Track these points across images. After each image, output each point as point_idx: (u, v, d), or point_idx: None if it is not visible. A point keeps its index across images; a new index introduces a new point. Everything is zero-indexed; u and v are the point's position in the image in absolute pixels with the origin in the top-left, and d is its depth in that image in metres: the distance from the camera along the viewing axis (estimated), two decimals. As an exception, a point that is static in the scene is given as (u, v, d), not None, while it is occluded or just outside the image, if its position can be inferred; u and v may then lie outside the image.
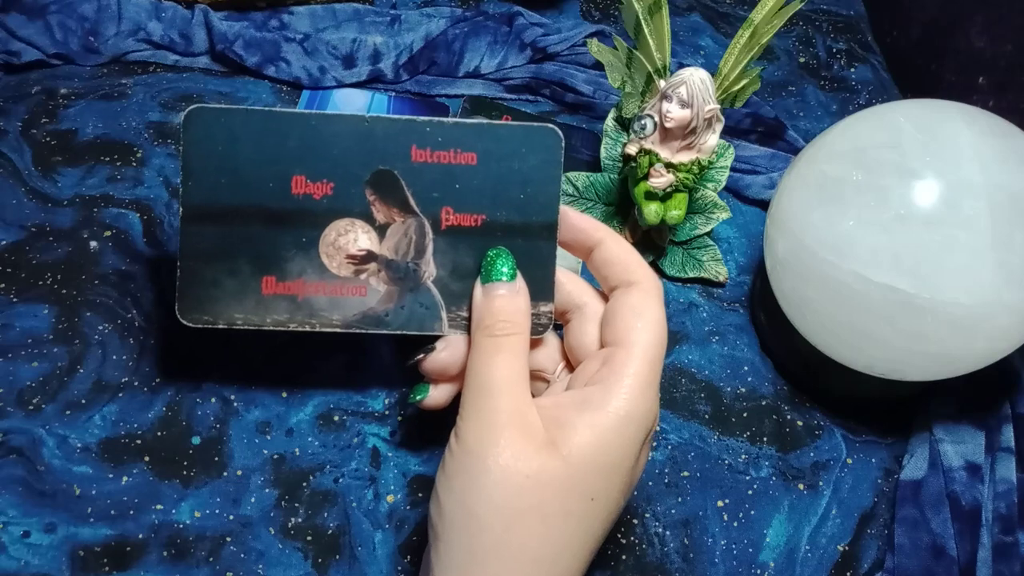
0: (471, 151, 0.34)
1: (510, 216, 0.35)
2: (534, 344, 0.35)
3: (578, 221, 0.35)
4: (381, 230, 0.35)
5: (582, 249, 0.35)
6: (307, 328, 0.35)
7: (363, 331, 0.35)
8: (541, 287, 0.35)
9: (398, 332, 0.35)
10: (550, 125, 0.35)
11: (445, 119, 0.34)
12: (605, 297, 0.35)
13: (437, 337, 0.35)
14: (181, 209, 0.34)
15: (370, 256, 0.35)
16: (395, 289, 0.35)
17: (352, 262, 0.35)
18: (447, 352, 0.35)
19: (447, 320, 0.35)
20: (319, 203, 0.34)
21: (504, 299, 0.33)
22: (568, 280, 0.36)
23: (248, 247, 0.34)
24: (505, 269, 0.34)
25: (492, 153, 0.34)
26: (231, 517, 0.39)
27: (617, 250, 0.34)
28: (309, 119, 0.34)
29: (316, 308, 0.35)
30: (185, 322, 0.34)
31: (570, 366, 0.36)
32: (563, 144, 0.35)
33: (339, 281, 0.35)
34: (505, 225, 0.35)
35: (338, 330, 0.35)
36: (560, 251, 0.35)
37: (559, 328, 0.37)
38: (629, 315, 0.33)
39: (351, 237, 0.35)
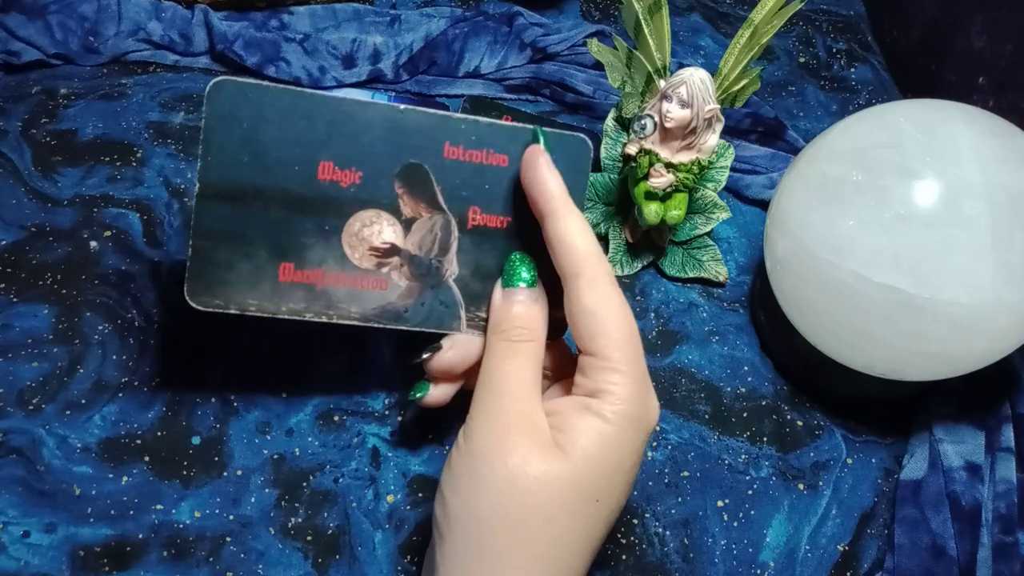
0: (503, 153, 0.34)
1: (536, 221, 0.34)
2: (548, 346, 0.35)
3: (542, 176, 0.32)
4: (407, 224, 0.34)
5: (535, 206, 0.33)
6: (323, 319, 0.34)
7: (381, 326, 0.34)
8: (560, 294, 0.35)
9: (416, 329, 0.35)
10: (581, 135, 0.35)
11: (480, 118, 0.34)
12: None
13: (444, 335, 0.35)
14: (197, 185, 0.32)
15: (394, 250, 0.34)
16: (416, 285, 0.35)
17: (375, 254, 0.34)
18: (453, 352, 0.35)
19: (465, 320, 0.35)
20: (346, 191, 0.33)
21: (523, 305, 0.33)
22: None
23: (267, 231, 0.33)
24: (526, 275, 0.34)
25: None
26: (231, 517, 0.39)
27: (564, 229, 0.32)
28: (343, 104, 0.33)
29: (334, 299, 0.34)
30: (194, 304, 0.33)
31: (573, 368, 0.36)
32: (592, 154, 0.35)
33: (360, 273, 0.34)
34: (530, 230, 0.34)
35: (355, 323, 0.34)
36: None
37: None
38: (587, 319, 0.31)
39: (376, 229, 0.34)
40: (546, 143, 0.33)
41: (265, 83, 0.32)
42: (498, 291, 0.34)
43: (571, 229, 0.32)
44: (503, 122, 0.34)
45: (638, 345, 0.31)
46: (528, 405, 0.31)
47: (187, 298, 0.33)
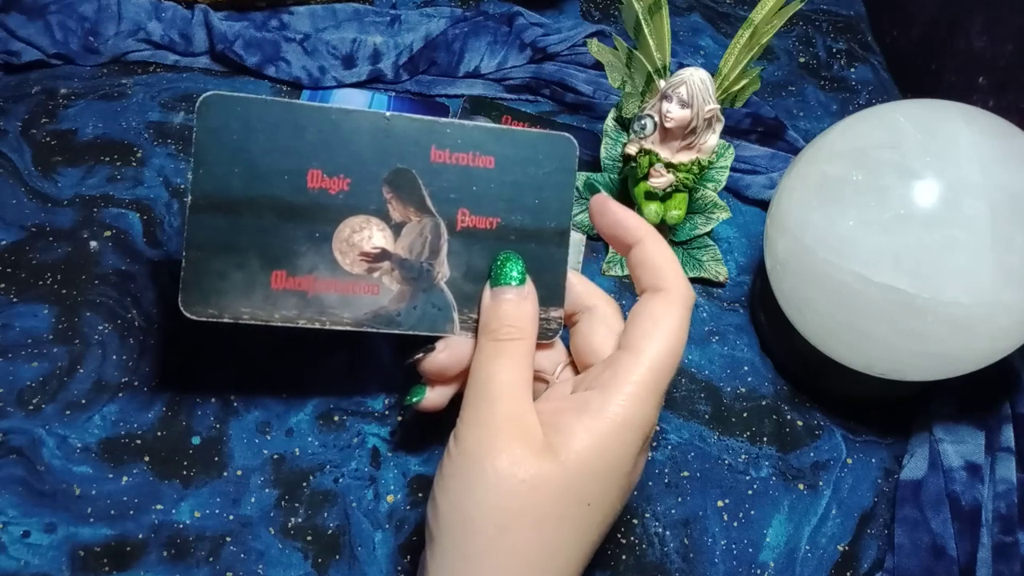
0: (489, 155, 0.34)
1: (524, 221, 0.35)
2: (542, 348, 0.35)
3: (622, 217, 0.34)
4: (396, 229, 0.34)
5: (621, 245, 0.35)
6: (316, 325, 0.34)
7: (374, 330, 0.34)
8: (551, 292, 0.35)
9: (409, 332, 0.35)
10: (566, 134, 0.35)
11: (466, 122, 0.34)
12: (614, 301, 0.35)
13: (438, 338, 0.35)
14: (190, 197, 0.33)
15: (384, 254, 0.34)
16: (408, 289, 0.35)
17: (366, 260, 0.34)
18: (446, 353, 0.34)
19: (459, 322, 0.35)
20: (335, 198, 0.34)
21: (511, 304, 0.33)
22: (578, 282, 0.36)
23: (259, 240, 0.33)
24: (514, 273, 0.34)
25: (510, 158, 0.35)
26: (231, 517, 0.39)
27: (654, 253, 0.34)
28: (329, 113, 0.33)
29: (327, 305, 0.34)
30: (188, 315, 0.33)
31: (575, 368, 0.36)
32: (577, 153, 0.35)
33: (351, 279, 0.34)
34: (519, 229, 0.35)
35: (348, 328, 0.34)
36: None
37: (565, 329, 0.37)
38: (647, 321, 0.32)
39: (366, 234, 0.34)
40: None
41: (253, 96, 0.33)
42: (487, 291, 0.34)
43: (664, 253, 0.33)
44: (487, 125, 0.34)
45: (673, 365, 0.32)
46: (518, 406, 0.31)
47: (181, 308, 0.33)
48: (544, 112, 0.57)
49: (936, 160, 0.38)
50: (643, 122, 0.44)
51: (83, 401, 0.40)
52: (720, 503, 0.43)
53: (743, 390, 0.47)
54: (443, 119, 0.34)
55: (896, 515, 0.43)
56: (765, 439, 0.45)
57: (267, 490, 0.39)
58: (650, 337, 0.32)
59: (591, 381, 0.32)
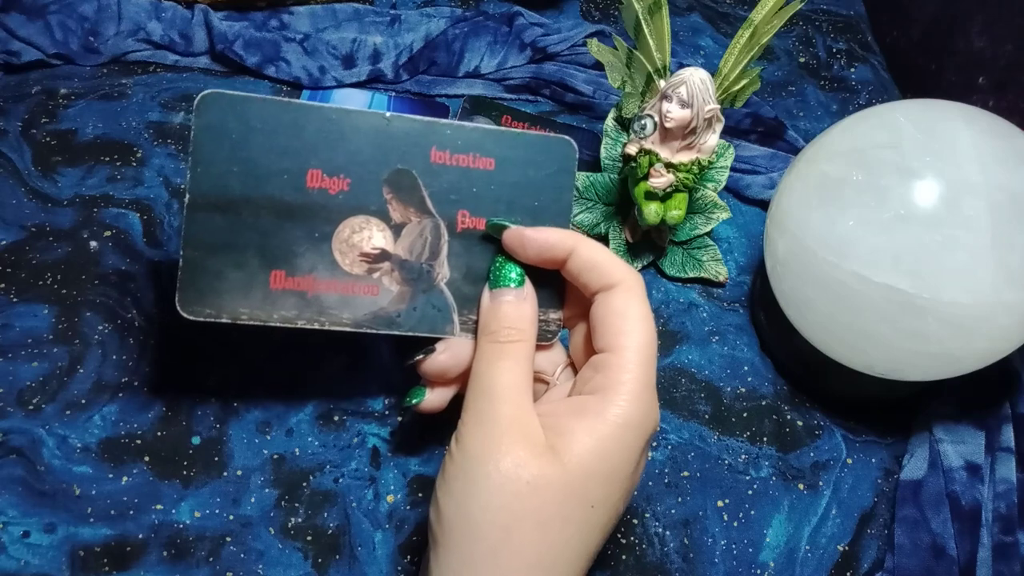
0: (489, 156, 0.34)
1: (524, 222, 0.35)
2: (541, 349, 0.35)
3: (543, 236, 0.33)
4: (396, 229, 0.34)
5: (554, 263, 0.34)
6: (315, 326, 0.34)
7: (373, 331, 0.34)
8: (550, 294, 0.35)
9: (409, 334, 0.35)
10: (565, 137, 0.35)
11: (466, 123, 0.34)
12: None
13: (438, 339, 0.35)
14: (187, 196, 0.32)
15: (384, 255, 0.34)
16: (408, 290, 0.35)
17: (365, 260, 0.34)
18: (447, 355, 0.34)
19: (459, 323, 0.35)
20: (334, 198, 0.34)
21: (511, 305, 0.33)
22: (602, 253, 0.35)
23: (257, 239, 0.33)
24: (513, 275, 0.34)
25: (510, 160, 0.35)
26: (231, 517, 0.39)
27: (591, 254, 0.33)
28: (329, 113, 0.33)
29: (326, 306, 0.34)
30: (185, 315, 0.33)
31: (574, 369, 0.36)
32: (576, 156, 0.35)
33: (351, 279, 0.34)
34: None
35: (347, 329, 0.34)
36: None
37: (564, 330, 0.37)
38: (615, 319, 0.32)
39: (366, 235, 0.34)
40: (504, 225, 0.34)
41: (252, 95, 0.33)
42: (486, 293, 0.34)
43: (598, 251, 0.33)
44: (488, 126, 0.34)
45: (654, 354, 0.32)
46: (519, 408, 0.31)
47: (178, 308, 0.33)
48: (544, 112, 0.57)
49: (936, 160, 0.38)
50: (643, 122, 0.44)
51: (83, 401, 0.40)
52: (720, 503, 0.43)
53: (743, 390, 0.47)
54: (443, 120, 0.34)
55: (896, 515, 0.43)
56: (765, 439, 0.45)
57: (267, 490, 0.39)
58: (625, 334, 0.32)
59: (581, 386, 0.33)
